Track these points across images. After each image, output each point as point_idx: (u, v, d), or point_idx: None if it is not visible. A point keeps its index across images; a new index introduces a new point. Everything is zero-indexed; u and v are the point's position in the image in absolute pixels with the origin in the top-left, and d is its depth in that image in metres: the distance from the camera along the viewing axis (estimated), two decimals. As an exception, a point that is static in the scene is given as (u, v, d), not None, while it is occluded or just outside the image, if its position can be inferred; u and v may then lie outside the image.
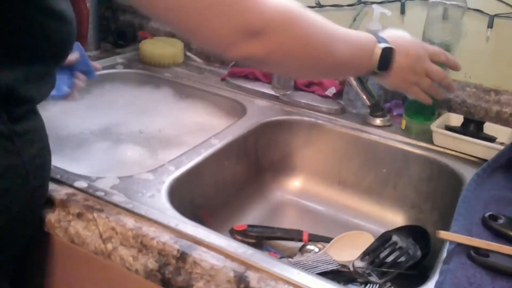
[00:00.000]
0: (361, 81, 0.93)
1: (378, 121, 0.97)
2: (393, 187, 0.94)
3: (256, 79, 1.11)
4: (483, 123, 0.92)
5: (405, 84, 0.77)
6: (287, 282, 0.56)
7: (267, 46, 0.59)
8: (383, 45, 0.70)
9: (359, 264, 0.75)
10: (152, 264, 0.61)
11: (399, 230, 0.83)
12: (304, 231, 0.85)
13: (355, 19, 1.08)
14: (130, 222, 0.64)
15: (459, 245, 0.61)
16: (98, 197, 0.68)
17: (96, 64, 0.90)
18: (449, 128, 0.91)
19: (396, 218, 0.93)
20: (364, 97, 0.95)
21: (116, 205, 0.67)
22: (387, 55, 0.71)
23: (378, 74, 0.73)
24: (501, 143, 0.88)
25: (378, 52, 0.70)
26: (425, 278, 0.60)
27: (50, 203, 0.68)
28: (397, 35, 0.74)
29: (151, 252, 0.61)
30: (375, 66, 0.71)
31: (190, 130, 0.99)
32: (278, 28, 0.59)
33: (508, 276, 0.56)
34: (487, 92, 0.99)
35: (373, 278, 0.72)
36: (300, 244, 0.84)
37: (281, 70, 0.71)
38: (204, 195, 0.85)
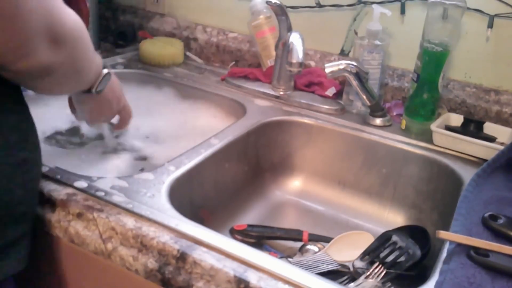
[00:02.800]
0: (361, 81, 0.93)
1: (378, 121, 0.97)
2: (393, 187, 0.94)
3: (256, 79, 1.11)
4: (483, 123, 0.92)
5: (108, 112, 0.80)
6: (287, 282, 0.56)
7: (64, 56, 0.55)
8: (105, 70, 0.72)
9: (359, 264, 0.76)
10: (152, 264, 0.61)
11: (399, 230, 0.83)
12: (304, 231, 0.85)
13: (355, 19, 1.08)
14: (130, 222, 0.64)
15: (459, 245, 0.61)
16: (98, 197, 0.68)
17: None
18: (449, 128, 0.91)
19: (396, 218, 0.93)
20: (364, 97, 0.95)
21: (116, 205, 0.67)
22: (106, 80, 0.73)
23: (92, 93, 0.73)
24: (501, 143, 0.89)
25: (102, 74, 0.71)
26: (425, 278, 0.60)
27: (50, 203, 0.68)
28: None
29: (151, 252, 0.61)
30: (94, 87, 0.72)
31: (190, 130, 0.99)
32: (76, 39, 0.57)
33: (508, 276, 0.56)
34: (487, 92, 0.99)
35: (373, 278, 0.72)
36: (300, 244, 0.84)
37: (55, 85, 0.62)
38: (204, 195, 0.85)
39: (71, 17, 0.55)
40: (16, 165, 0.58)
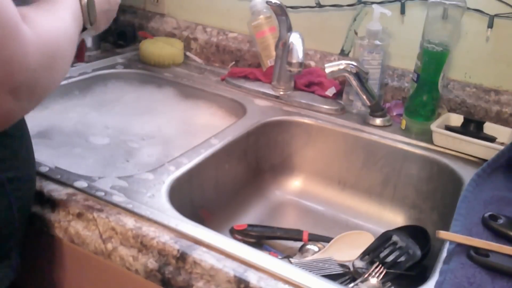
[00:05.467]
0: (361, 81, 0.93)
1: (378, 121, 0.97)
2: (393, 187, 0.94)
3: (256, 79, 1.11)
4: (483, 123, 0.92)
5: (109, 22, 0.72)
6: (287, 282, 0.56)
7: (30, 101, 0.49)
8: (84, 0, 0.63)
9: (359, 264, 0.76)
10: (152, 264, 0.61)
11: (399, 230, 0.83)
12: (304, 230, 0.85)
13: (355, 19, 1.08)
14: (130, 222, 0.64)
15: (459, 245, 0.61)
16: (98, 197, 0.68)
17: None
18: (449, 128, 0.91)
19: (396, 218, 0.93)
20: (364, 97, 0.95)
21: (116, 205, 0.67)
22: (92, 7, 0.64)
23: (89, 29, 0.66)
24: (501, 143, 0.88)
25: (85, 10, 0.63)
26: (425, 278, 0.60)
27: (50, 203, 0.68)
28: None
29: (151, 252, 0.61)
30: (86, 23, 0.64)
31: (190, 129, 0.99)
32: (40, 75, 0.48)
33: (508, 276, 0.56)
34: (487, 92, 0.99)
35: (373, 278, 0.72)
36: (300, 243, 0.84)
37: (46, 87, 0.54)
38: (204, 195, 0.85)
39: (30, 49, 0.46)
40: (0, 185, 0.57)
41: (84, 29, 0.64)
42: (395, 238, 0.80)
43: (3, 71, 0.43)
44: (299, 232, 0.85)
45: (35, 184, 0.66)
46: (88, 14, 0.63)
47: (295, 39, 0.93)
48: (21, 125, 0.62)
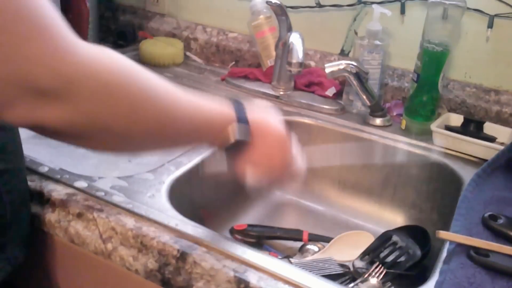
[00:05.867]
0: (361, 81, 0.93)
1: (378, 121, 0.97)
2: (393, 187, 0.94)
3: (256, 79, 1.11)
4: (483, 123, 0.92)
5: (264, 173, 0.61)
6: (287, 282, 0.56)
7: (68, 114, 0.41)
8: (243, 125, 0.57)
9: (359, 264, 0.76)
10: (152, 264, 0.61)
11: (399, 230, 0.83)
12: (304, 230, 0.85)
13: (355, 19, 1.08)
14: (130, 222, 0.64)
15: (459, 245, 0.61)
16: (98, 197, 0.68)
17: None
18: (449, 128, 0.91)
19: (396, 218, 0.93)
20: (364, 97, 0.95)
21: (116, 205, 0.67)
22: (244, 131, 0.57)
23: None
24: (501, 143, 0.88)
25: (234, 130, 0.56)
26: (425, 278, 0.60)
27: (50, 203, 0.68)
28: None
29: (151, 252, 0.61)
30: (224, 144, 0.57)
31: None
32: (90, 89, 0.41)
33: (508, 276, 0.56)
34: (487, 92, 0.99)
35: (373, 278, 0.72)
36: (300, 243, 0.84)
37: (96, 145, 0.49)
38: (204, 195, 0.85)
39: (80, 57, 0.41)
40: None
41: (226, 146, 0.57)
42: (395, 238, 0.80)
43: (21, 70, 0.39)
44: (299, 232, 0.85)
45: (25, 178, 0.66)
46: (233, 130, 0.55)
47: (295, 39, 0.93)
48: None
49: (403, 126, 0.96)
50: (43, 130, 0.43)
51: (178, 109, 0.51)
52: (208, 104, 0.55)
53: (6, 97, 0.39)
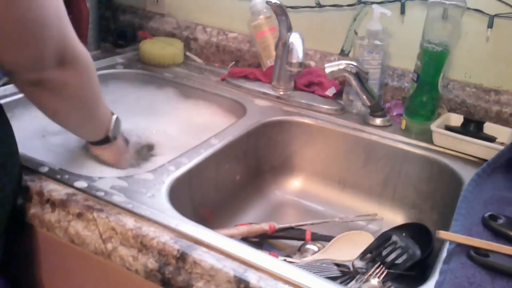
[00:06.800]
0: (361, 81, 0.93)
1: (378, 121, 0.97)
2: (393, 187, 0.94)
3: (256, 79, 1.11)
4: (483, 123, 0.92)
5: (117, 162, 0.84)
6: (287, 282, 0.57)
7: (70, 76, 0.63)
8: (115, 115, 0.79)
9: (359, 263, 0.76)
10: (152, 264, 0.61)
11: (399, 230, 0.83)
12: (307, 230, 0.85)
13: (355, 19, 1.08)
14: (130, 222, 0.64)
15: (459, 245, 0.61)
16: (98, 197, 0.68)
17: None
18: (449, 128, 0.91)
19: (396, 218, 0.93)
20: (364, 97, 0.95)
21: (116, 205, 0.67)
22: (117, 127, 0.80)
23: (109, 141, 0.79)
24: (501, 143, 0.88)
25: (110, 121, 0.78)
26: (425, 278, 0.60)
27: (50, 203, 0.68)
28: None
29: (151, 252, 0.61)
30: (109, 132, 0.78)
31: (189, 130, 0.99)
32: (83, 65, 0.64)
33: (508, 276, 0.56)
34: (487, 92, 0.99)
35: (374, 278, 0.72)
36: (300, 243, 0.84)
37: (64, 110, 0.69)
38: (204, 195, 0.85)
39: (81, 50, 0.64)
40: None
41: (104, 140, 0.78)
42: (394, 238, 0.80)
43: (59, 46, 0.60)
44: (302, 231, 0.85)
45: (18, 177, 0.68)
46: (113, 127, 0.77)
47: (295, 39, 0.93)
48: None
49: (403, 126, 0.96)
50: (49, 87, 0.62)
51: (100, 107, 0.74)
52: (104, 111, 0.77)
53: (42, 64, 0.59)
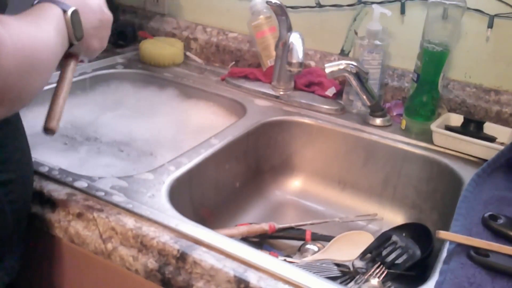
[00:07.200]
0: (361, 81, 0.93)
1: (378, 121, 0.97)
2: (393, 187, 0.94)
3: (256, 79, 1.11)
4: (483, 123, 0.92)
5: (102, 41, 0.71)
6: (287, 282, 0.56)
7: (7, 107, 0.50)
8: (69, 10, 0.60)
9: (359, 263, 0.76)
10: (152, 264, 0.61)
11: (399, 230, 0.83)
12: (307, 230, 0.85)
13: (355, 19, 1.08)
14: (130, 222, 0.64)
15: (459, 245, 0.61)
16: (98, 197, 0.68)
17: None
18: (449, 128, 0.91)
19: (396, 218, 0.93)
20: (364, 97, 0.95)
21: (116, 205, 0.67)
22: (77, 23, 0.62)
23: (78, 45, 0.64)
24: (501, 143, 0.88)
25: (69, 25, 0.61)
26: (425, 278, 0.60)
27: (50, 203, 0.68)
28: None
29: (151, 252, 0.61)
30: (72, 38, 0.62)
31: (189, 130, 0.99)
32: (16, 80, 0.48)
33: (508, 276, 0.56)
34: (487, 92, 0.99)
35: (374, 278, 0.72)
36: (300, 243, 0.84)
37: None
38: (204, 195, 0.85)
39: (6, 62, 0.47)
40: None
41: (71, 45, 0.62)
42: (394, 238, 0.80)
43: None
44: (302, 231, 0.85)
45: (31, 187, 0.66)
46: (73, 29, 0.61)
47: (295, 39, 0.93)
48: (16, 127, 0.62)
49: (403, 126, 0.96)
50: None
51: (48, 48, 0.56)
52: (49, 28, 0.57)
53: None
